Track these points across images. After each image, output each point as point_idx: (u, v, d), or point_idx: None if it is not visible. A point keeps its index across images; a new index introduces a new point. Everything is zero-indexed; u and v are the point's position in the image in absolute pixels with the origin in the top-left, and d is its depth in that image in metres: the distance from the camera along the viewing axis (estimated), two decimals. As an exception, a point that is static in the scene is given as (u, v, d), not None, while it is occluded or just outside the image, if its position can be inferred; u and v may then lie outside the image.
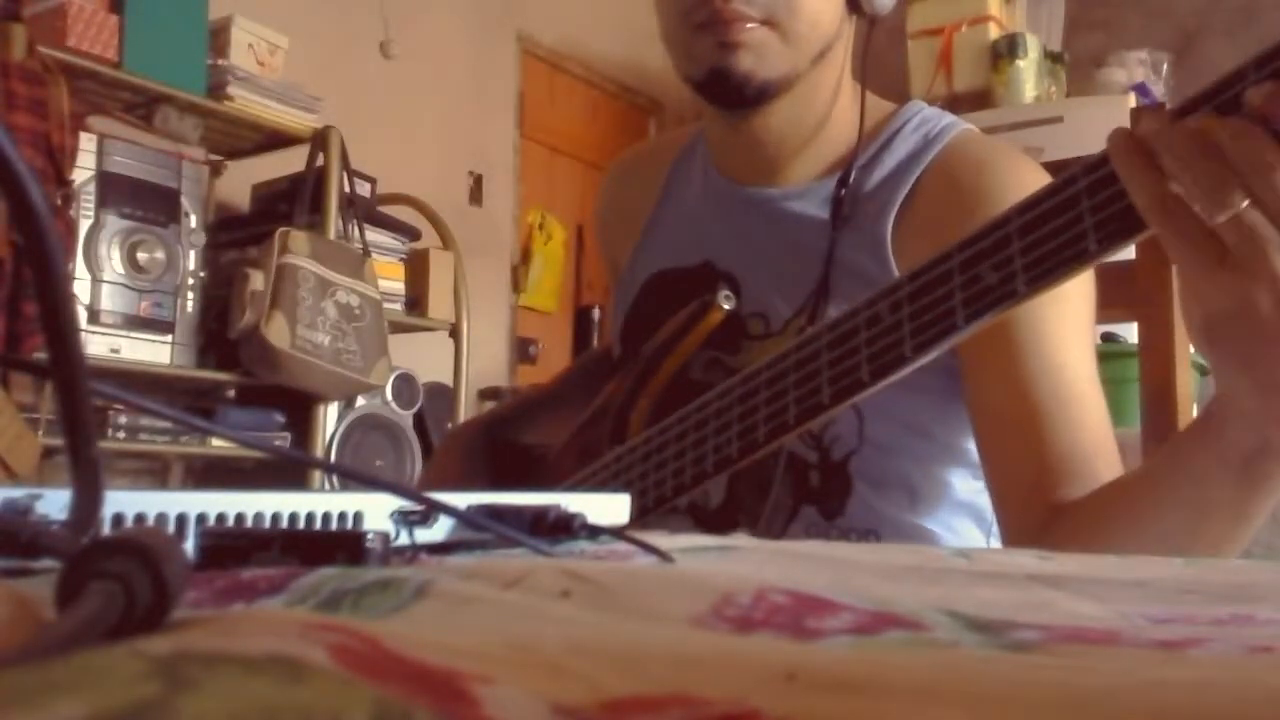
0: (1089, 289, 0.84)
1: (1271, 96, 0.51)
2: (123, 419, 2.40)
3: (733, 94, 0.88)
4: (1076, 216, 0.58)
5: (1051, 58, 3.08)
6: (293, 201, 2.70)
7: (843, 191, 0.90)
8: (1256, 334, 0.54)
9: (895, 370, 0.68)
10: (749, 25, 0.84)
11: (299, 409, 2.67)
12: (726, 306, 0.88)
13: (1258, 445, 0.61)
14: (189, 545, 0.36)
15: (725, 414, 0.77)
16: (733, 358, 0.91)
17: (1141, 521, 0.69)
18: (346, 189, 2.75)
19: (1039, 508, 0.76)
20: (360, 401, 2.81)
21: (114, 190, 2.37)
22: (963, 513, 0.90)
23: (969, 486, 0.89)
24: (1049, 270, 0.59)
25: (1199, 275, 0.55)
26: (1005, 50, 2.95)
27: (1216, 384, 0.61)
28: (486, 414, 1.20)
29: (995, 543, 0.89)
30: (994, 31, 3.01)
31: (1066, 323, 0.80)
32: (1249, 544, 0.66)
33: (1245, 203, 0.51)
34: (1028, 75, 2.93)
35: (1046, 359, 0.79)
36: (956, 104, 2.96)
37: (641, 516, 0.80)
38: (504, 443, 1.13)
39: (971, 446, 0.87)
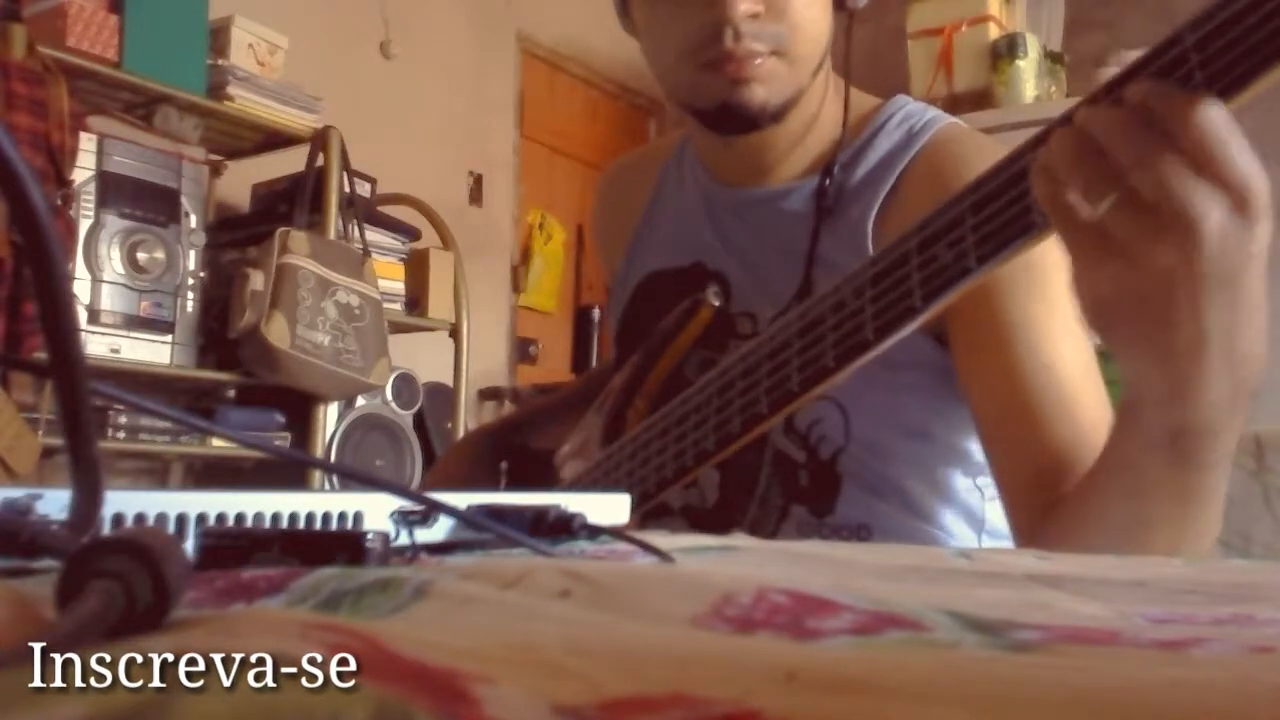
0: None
1: (1150, 92, 0.52)
2: (123, 419, 2.40)
3: (745, 125, 0.88)
4: (1023, 191, 0.58)
5: (1051, 58, 3.07)
6: (293, 201, 2.70)
7: (826, 182, 0.90)
8: (1143, 316, 0.56)
9: (860, 355, 0.68)
10: (757, 60, 0.84)
11: (299, 409, 2.67)
12: (715, 303, 0.88)
13: (1177, 424, 0.60)
14: (189, 545, 0.36)
15: (704, 408, 0.77)
16: (723, 357, 0.92)
17: (1095, 514, 0.69)
18: (346, 189, 2.75)
19: (1038, 505, 0.76)
20: (360, 401, 2.81)
21: (114, 190, 2.37)
22: (954, 511, 0.90)
23: (959, 485, 0.89)
24: (998, 246, 0.59)
25: (1085, 265, 0.57)
26: (1005, 50, 2.95)
27: (1120, 369, 0.61)
28: (494, 421, 1.21)
29: (987, 541, 0.89)
30: (994, 31, 3.01)
31: (1056, 320, 0.80)
32: (1250, 545, 0.66)
33: (1114, 196, 0.54)
34: (1028, 75, 2.93)
35: (1037, 357, 0.79)
36: (956, 104, 2.96)
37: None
38: (511, 448, 1.14)
39: (961, 444, 0.88)
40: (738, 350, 0.76)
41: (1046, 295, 0.80)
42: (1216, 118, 0.51)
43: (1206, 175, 0.51)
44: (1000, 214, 0.59)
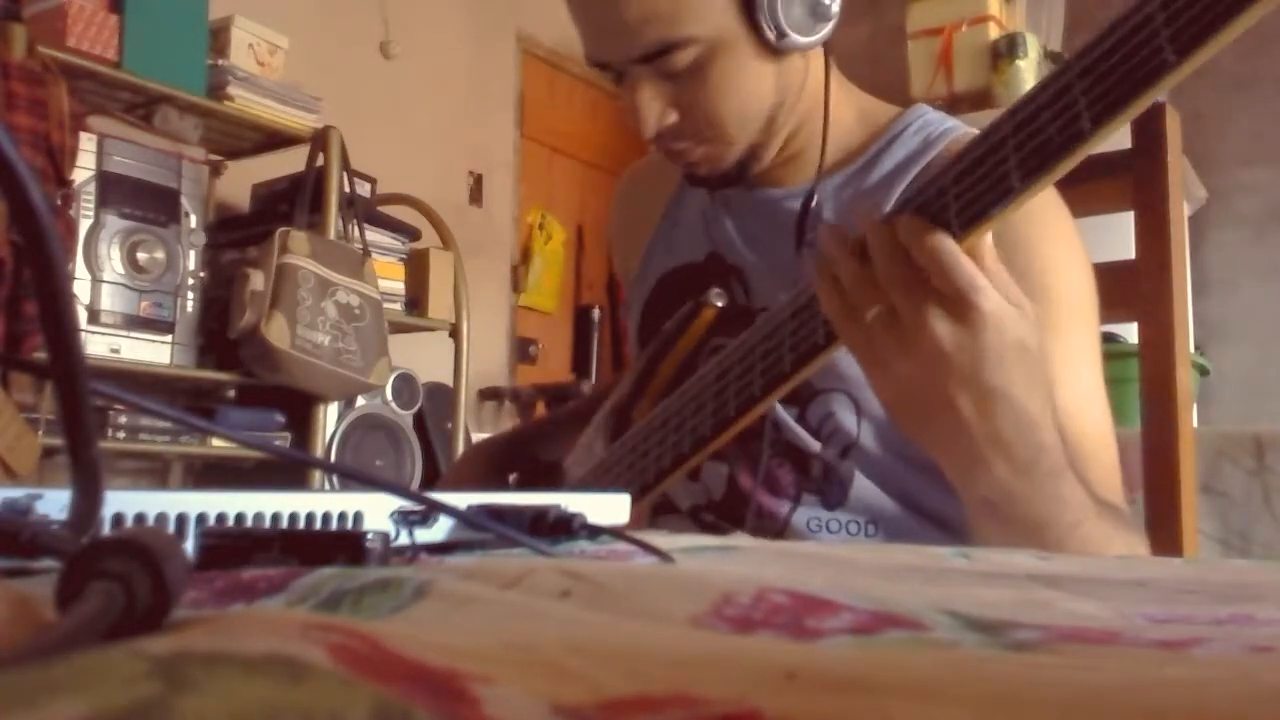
0: (1088, 315, 0.84)
1: (901, 224, 0.62)
2: (123, 419, 2.40)
3: (716, 186, 0.95)
4: (1003, 158, 0.60)
5: (1051, 58, 3.07)
6: (293, 201, 2.70)
7: (813, 194, 0.92)
8: (914, 415, 0.67)
9: None
10: (690, 157, 0.90)
11: (299, 409, 2.67)
12: (718, 304, 0.90)
13: (978, 495, 0.68)
14: (189, 545, 0.36)
15: (701, 396, 0.78)
16: None
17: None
18: (346, 189, 2.75)
19: None
20: (360, 401, 2.80)
21: (114, 190, 2.37)
22: (961, 509, 0.90)
23: None
24: (980, 211, 0.61)
25: (867, 369, 0.67)
26: (1005, 50, 2.95)
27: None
28: (503, 433, 1.22)
29: None
30: (994, 31, 3.01)
31: (1063, 353, 0.81)
32: (1250, 545, 0.66)
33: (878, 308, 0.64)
34: (1028, 75, 2.93)
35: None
36: (956, 104, 2.96)
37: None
38: (521, 460, 1.14)
39: None
40: (736, 340, 0.77)
41: (1053, 329, 0.81)
42: (944, 243, 0.60)
43: (933, 286, 0.61)
44: (982, 180, 0.61)
